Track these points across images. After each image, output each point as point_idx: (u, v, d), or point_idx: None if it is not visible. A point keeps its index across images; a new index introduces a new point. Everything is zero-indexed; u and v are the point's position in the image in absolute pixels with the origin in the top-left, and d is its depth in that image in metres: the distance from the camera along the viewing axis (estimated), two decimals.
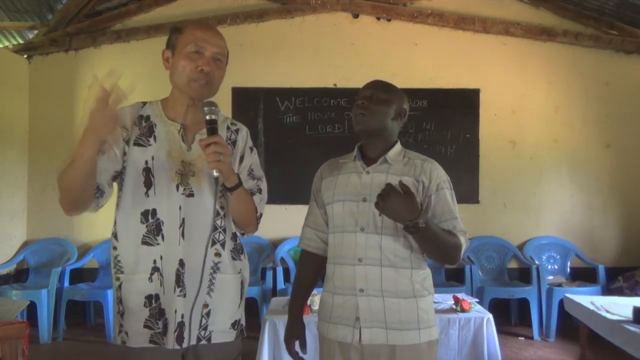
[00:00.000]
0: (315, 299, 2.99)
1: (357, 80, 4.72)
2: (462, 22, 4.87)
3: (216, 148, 1.44)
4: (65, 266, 4.47)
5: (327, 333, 1.68)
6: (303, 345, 1.76)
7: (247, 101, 4.77)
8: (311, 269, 1.79)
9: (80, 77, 4.89)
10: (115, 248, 1.61)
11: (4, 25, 4.70)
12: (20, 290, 4.28)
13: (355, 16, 4.95)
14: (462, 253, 1.59)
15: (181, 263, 1.55)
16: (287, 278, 4.57)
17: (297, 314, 1.79)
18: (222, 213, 1.60)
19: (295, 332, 1.77)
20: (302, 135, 4.85)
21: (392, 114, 1.69)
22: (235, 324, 1.64)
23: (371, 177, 1.66)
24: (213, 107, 1.49)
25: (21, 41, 4.92)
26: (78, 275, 4.60)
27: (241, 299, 1.67)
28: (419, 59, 4.90)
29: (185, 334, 1.55)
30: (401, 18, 4.91)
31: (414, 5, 4.93)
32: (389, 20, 4.94)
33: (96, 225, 4.76)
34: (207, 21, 4.74)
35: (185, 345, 1.56)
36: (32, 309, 4.08)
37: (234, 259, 1.65)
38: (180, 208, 1.55)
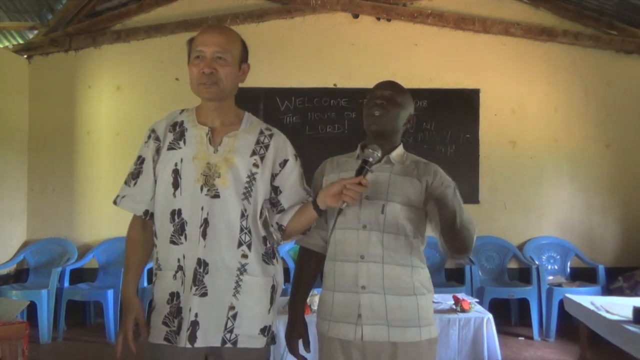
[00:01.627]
0: (314, 299, 2.99)
1: (357, 80, 4.72)
2: (462, 22, 4.86)
3: (360, 189, 1.52)
4: (65, 266, 4.47)
5: (328, 331, 1.68)
6: (307, 344, 1.75)
7: (247, 101, 4.72)
8: (311, 266, 1.78)
9: (80, 77, 4.89)
10: (155, 245, 1.67)
11: (4, 25, 4.70)
12: (20, 290, 4.28)
13: (355, 16, 4.95)
14: (474, 240, 1.60)
15: (199, 262, 1.57)
16: (287, 278, 4.54)
17: (298, 312, 1.78)
18: (246, 214, 1.61)
19: (297, 331, 1.75)
20: (302, 135, 4.85)
21: (405, 119, 1.73)
22: (265, 330, 1.63)
23: (374, 176, 1.66)
24: (374, 152, 1.57)
25: (21, 41, 4.92)
26: (78, 275, 4.60)
27: (271, 304, 1.65)
28: (419, 59, 4.90)
29: (199, 334, 1.56)
30: (401, 18, 4.90)
31: (414, 5, 4.92)
32: (389, 20, 4.94)
33: (96, 225, 4.76)
34: (209, 21, 4.74)
35: (199, 345, 1.56)
36: (32, 309, 4.07)
37: (266, 262, 1.64)
38: (202, 208, 1.58)
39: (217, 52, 1.59)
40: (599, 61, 4.92)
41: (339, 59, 4.88)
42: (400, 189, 1.64)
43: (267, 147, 1.66)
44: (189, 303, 1.57)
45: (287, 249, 4.69)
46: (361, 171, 1.56)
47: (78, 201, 4.81)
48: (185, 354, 1.57)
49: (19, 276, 4.68)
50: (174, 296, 1.59)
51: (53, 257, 4.66)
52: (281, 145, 1.69)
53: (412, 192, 1.64)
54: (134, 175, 1.67)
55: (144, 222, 1.68)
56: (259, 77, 4.77)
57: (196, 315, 1.56)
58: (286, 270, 4.58)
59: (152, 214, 1.66)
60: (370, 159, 1.57)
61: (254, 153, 1.63)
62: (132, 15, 4.86)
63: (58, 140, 4.85)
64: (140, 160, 1.67)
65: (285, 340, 1.77)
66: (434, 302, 1.74)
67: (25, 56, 4.86)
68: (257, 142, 1.66)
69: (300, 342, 1.76)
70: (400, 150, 1.73)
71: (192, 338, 1.55)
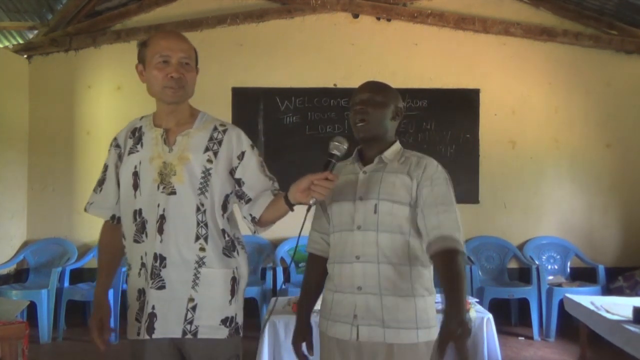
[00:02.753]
0: None
1: (357, 80, 4.65)
2: (462, 22, 4.86)
3: (327, 184, 1.53)
4: (65, 266, 4.47)
5: (327, 330, 1.69)
6: (310, 348, 1.77)
7: (247, 101, 4.77)
8: (318, 271, 1.79)
9: (80, 77, 4.89)
10: (124, 247, 1.74)
11: (4, 25, 4.70)
12: (20, 290, 4.28)
13: (355, 16, 4.95)
14: (464, 256, 1.56)
15: (156, 257, 1.63)
16: (287, 278, 4.57)
17: (305, 316, 1.80)
18: (202, 209, 1.65)
19: (302, 334, 1.77)
20: (302, 135, 4.85)
21: (390, 115, 1.70)
22: (227, 321, 1.66)
23: (368, 177, 1.67)
24: (339, 144, 1.59)
25: (21, 41, 4.92)
26: (78, 275, 4.60)
27: (233, 295, 1.68)
28: (419, 59, 4.89)
29: (157, 325, 1.62)
30: (401, 18, 4.90)
31: (414, 5, 4.92)
32: (389, 20, 4.94)
33: (96, 225, 4.68)
34: (209, 21, 4.75)
35: (157, 336, 1.62)
36: (32, 309, 4.08)
37: (226, 255, 1.69)
38: (158, 205, 1.64)
39: (183, 58, 1.66)
40: (599, 61, 4.92)
41: (339, 59, 4.88)
42: (392, 187, 1.62)
43: (220, 142, 1.70)
44: (148, 296, 1.64)
45: (287, 248, 4.69)
46: (327, 166, 1.56)
47: (78, 201, 4.80)
48: (155, 347, 1.63)
49: (19, 276, 4.69)
50: (141, 293, 1.66)
51: (53, 257, 4.67)
52: (235, 140, 1.72)
53: (403, 189, 1.62)
54: (100, 183, 1.79)
55: (113, 226, 1.78)
56: (259, 77, 4.79)
57: (153, 307, 1.62)
58: (286, 271, 4.59)
59: (119, 218, 1.75)
60: (336, 152, 1.58)
61: (207, 149, 1.68)
62: (132, 15, 4.87)
63: (58, 140, 4.85)
64: (105, 168, 1.79)
65: (292, 342, 1.80)
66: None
67: (25, 56, 4.86)
68: (210, 139, 1.70)
69: (304, 345, 1.78)
70: (395, 147, 1.71)
71: (150, 329, 1.62)
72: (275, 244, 4.71)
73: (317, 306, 1.81)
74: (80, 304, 4.55)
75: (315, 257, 1.80)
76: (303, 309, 1.81)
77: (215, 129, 1.72)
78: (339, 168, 1.76)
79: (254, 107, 4.80)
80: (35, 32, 4.86)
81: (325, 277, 1.79)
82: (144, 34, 4.84)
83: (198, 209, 1.65)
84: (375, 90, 1.70)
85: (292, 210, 1.67)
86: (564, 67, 4.92)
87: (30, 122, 4.85)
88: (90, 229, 4.80)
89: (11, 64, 4.66)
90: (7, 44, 4.92)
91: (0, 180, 4.43)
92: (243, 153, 1.72)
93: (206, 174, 1.66)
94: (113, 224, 1.78)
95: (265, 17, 4.89)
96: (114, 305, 4.24)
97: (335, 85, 4.88)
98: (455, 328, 1.37)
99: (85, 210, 1.81)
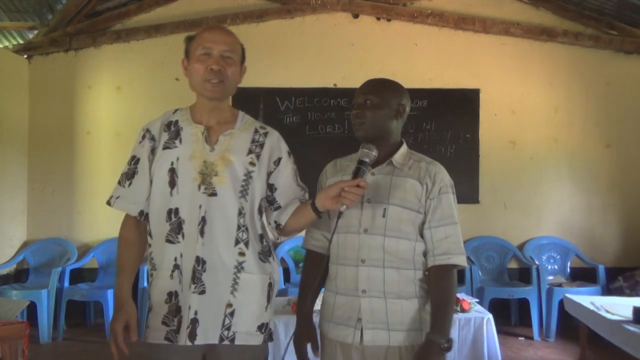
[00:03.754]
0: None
1: (357, 80, 4.65)
2: (462, 22, 4.86)
3: (358, 191, 1.51)
4: (65, 266, 4.48)
5: (328, 332, 1.67)
6: (315, 348, 1.72)
7: (247, 101, 4.77)
8: (319, 269, 1.74)
9: (80, 77, 4.89)
10: (150, 245, 1.66)
11: (4, 25, 4.70)
12: (20, 290, 4.28)
13: (355, 16, 4.95)
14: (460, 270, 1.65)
15: (198, 260, 1.58)
16: (287, 278, 4.57)
17: (307, 316, 1.75)
18: (243, 212, 1.61)
19: (306, 335, 1.72)
20: (302, 135, 4.85)
21: (391, 114, 1.66)
22: (262, 327, 1.64)
23: (376, 179, 1.64)
24: (369, 151, 1.56)
25: (21, 41, 4.92)
26: (78, 275, 4.60)
27: (268, 301, 1.66)
28: (419, 59, 4.90)
29: (199, 331, 1.57)
30: (401, 18, 4.90)
31: (414, 5, 4.92)
32: (389, 20, 4.94)
33: (96, 225, 4.76)
34: (209, 21, 4.75)
35: (199, 342, 1.57)
36: (32, 309, 4.08)
37: (262, 260, 1.65)
38: (200, 207, 1.58)
39: (226, 51, 1.61)
40: (599, 61, 4.92)
41: (339, 59, 4.88)
42: (402, 191, 1.61)
43: (262, 145, 1.67)
44: (188, 301, 1.57)
45: (287, 249, 4.69)
46: (358, 172, 1.54)
47: (78, 201, 4.81)
48: (184, 353, 1.58)
49: (19, 276, 4.68)
50: (172, 295, 1.60)
51: (53, 257, 4.66)
52: (275, 144, 1.70)
53: (413, 195, 1.61)
54: (129, 176, 1.66)
55: (138, 222, 1.68)
56: (259, 77, 4.79)
57: (195, 312, 1.57)
58: (286, 271, 4.59)
59: (146, 214, 1.66)
60: (366, 159, 1.56)
61: (250, 152, 1.65)
62: (132, 15, 4.87)
63: (58, 140, 4.85)
64: (135, 160, 1.67)
65: (294, 344, 1.73)
66: None
67: (25, 56, 4.86)
68: (253, 141, 1.67)
69: (309, 346, 1.73)
70: (403, 150, 1.68)
71: (192, 335, 1.56)
72: (275, 244, 4.71)
73: (317, 306, 1.79)
74: (80, 304, 4.56)
75: (315, 254, 1.75)
76: (305, 308, 1.75)
77: (256, 131, 1.69)
78: (341, 165, 1.75)
79: (254, 107, 4.80)
80: (35, 32, 4.85)
81: (325, 275, 1.76)
82: (144, 34, 4.85)
83: (239, 212, 1.60)
84: (373, 92, 1.66)
85: (320, 217, 1.64)
86: (564, 67, 4.92)
87: (30, 122, 4.84)
88: (90, 229, 4.81)
89: (11, 64, 4.66)
90: (7, 44, 4.92)
91: (0, 180, 4.43)
92: (279, 159, 1.70)
93: (248, 176, 1.62)
94: (140, 220, 1.67)
95: (265, 17, 4.89)
96: (114, 305, 4.24)
97: (335, 85, 4.88)
98: (442, 343, 1.52)
99: (109, 204, 1.68)
